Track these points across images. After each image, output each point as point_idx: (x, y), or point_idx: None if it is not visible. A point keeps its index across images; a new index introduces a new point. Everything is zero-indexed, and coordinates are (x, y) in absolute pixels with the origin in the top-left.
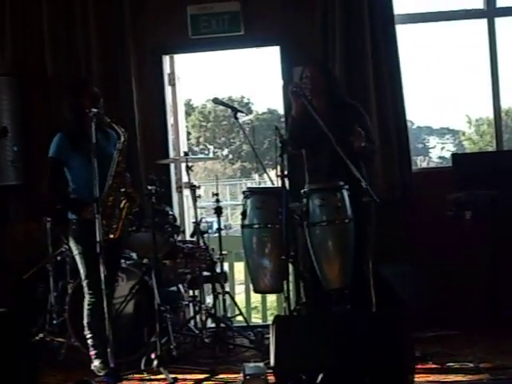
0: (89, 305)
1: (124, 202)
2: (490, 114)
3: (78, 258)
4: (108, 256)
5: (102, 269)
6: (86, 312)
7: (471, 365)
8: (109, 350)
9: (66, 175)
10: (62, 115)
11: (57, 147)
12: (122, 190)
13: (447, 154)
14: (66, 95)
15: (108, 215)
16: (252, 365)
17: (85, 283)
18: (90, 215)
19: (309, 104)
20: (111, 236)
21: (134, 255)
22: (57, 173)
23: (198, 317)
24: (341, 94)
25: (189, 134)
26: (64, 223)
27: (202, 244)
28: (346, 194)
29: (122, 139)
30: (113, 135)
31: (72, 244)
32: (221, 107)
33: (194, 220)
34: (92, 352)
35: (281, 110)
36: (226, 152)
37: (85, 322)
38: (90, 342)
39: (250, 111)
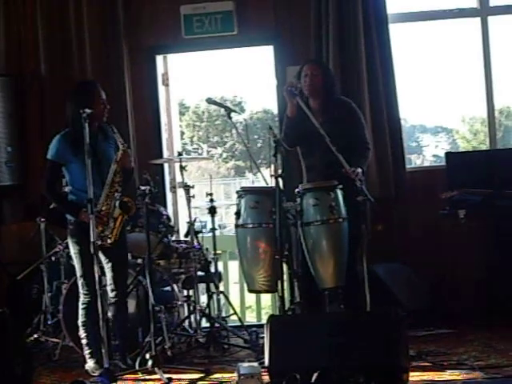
0: (83, 304)
1: (119, 212)
2: (483, 112)
3: (74, 258)
4: (111, 259)
5: (95, 269)
6: (80, 311)
7: (466, 363)
8: (103, 350)
9: (63, 176)
10: (55, 115)
11: (56, 150)
12: (118, 200)
13: (441, 153)
14: (73, 96)
15: (102, 223)
16: (246, 364)
17: (80, 282)
18: (87, 219)
19: (303, 103)
20: (105, 243)
21: (129, 255)
22: (55, 175)
23: (192, 317)
24: (337, 93)
25: (182, 133)
26: (58, 224)
27: (196, 244)
28: (339, 193)
29: (121, 150)
30: (114, 138)
31: (69, 243)
32: (214, 107)
33: (188, 220)
34: (86, 352)
35: (274, 110)
36: (219, 151)
37: (79, 321)
38: (84, 341)
39: (243, 110)
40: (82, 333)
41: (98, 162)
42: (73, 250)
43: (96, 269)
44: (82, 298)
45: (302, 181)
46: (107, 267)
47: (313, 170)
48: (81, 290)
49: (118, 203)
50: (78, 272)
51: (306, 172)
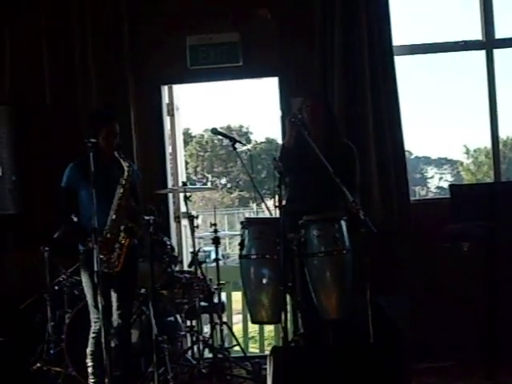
0: (93, 333)
1: (124, 237)
2: (487, 144)
3: (84, 286)
4: (119, 287)
5: (99, 299)
6: (90, 340)
7: None
8: (106, 379)
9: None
10: (59, 144)
11: (67, 177)
12: (123, 226)
13: (445, 185)
14: (86, 125)
15: (108, 249)
16: None
17: (91, 311)
18: (92, 245)
19: (306, 134)
20: (111, 271)
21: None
22: (68, 202)
23: (195, 347)
24: (338, 130)
25: (186, 163)
26: (62, 253)
27: (199, 274)
28: (344, 224)
29: (126, 174)
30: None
31: (81, 272)
32: (218, 137)
33: (191, 250)
34: (91, 381)
35: (279, 140)
36: (224, 181)
37: (88, 350)
38: (90, 370)
39: (248, 140)
40: (89, 361)
41: (109, 191)
42: (84, 279)
43: (100, 299)
44: (92, 327)
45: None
46: (113, 296)
47: (304, 202)
48: (92, 319)
49: (122, 228)
50: (89, 301)
51: (293, 202)
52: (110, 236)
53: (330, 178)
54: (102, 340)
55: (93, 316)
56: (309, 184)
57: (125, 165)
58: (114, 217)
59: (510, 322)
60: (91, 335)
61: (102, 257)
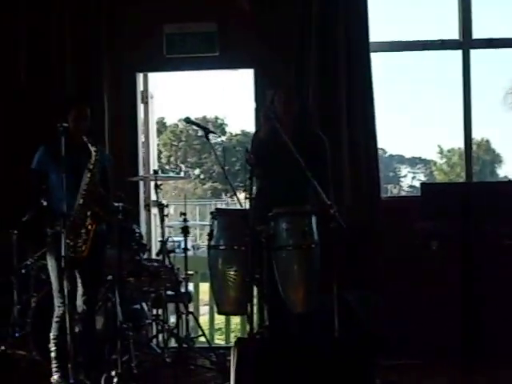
0: (57, 317)
1: (90, 222)
2: (461, 145)
3: (50, 270)
4: (85, 273)
5: (65, 284)
6: (53, 325)
7: None
8: (69, 365)
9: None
10: (34, 128)
11: (38, 160)
12: (89, 211)
13: (418, 184)
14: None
15: (75, 234)
16: None
17: (55, 296)
18: (59, 228)
19: (279, 127)
20: (78, 255)
21: None
22: (39, 185)
23: (160, 336)
24: (310, 122)
25: (160, 152)
26: (30, 237)
27: (167, 263)
28: (313, 218)
29: (93, 159)
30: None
31: (47, 256)
32: (193, 127)
33: (160, 239)
34: (54, 365)
35: (254, 132)
36: (197, 172)
37: (51, 334)
38: (52, 354)
39: (223, 132)
40: (52, 346)
41: (79, 175)
42: (49, 263)
43: (65, 283)
44: (56, 312)
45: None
46: (79, 281)
47: (275, 194)
48: (56, 304)
49: (89, 213)
50: (54, 285)
51: (264, 194)
52: (76, 221)
53: (302, 171)
54: (67, 325)
55: (57, 300)
56: (280, 176)
57: (92, 149)
58: (80, 201)
59: (482, 320)
60: (54, 319)
61: (68, 241)
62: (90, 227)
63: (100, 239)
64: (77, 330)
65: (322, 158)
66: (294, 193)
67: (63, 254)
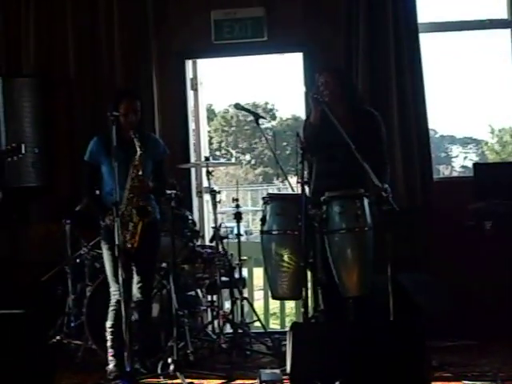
0: (113, 306)
1: (137, 218)
2: None
3: (105, 261)
4: (139, 262)
5: (119, 272)
6: (110, 314)
7: (488, 375)
8: (126, 353)
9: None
10: (82, 117)
11: (90, 151)
12: (136, 206)
13: (470, 164)
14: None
15: (123, 226)
16: (268, 371)
17: (111, 285)
18: (109, 221)
19: (329, 110)
20: (129, 246)
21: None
22: (92, 176)
23: (215, 322)
24: (359, 100)
25: (211, 138)
26: (84, 226)
27: (220, 249)
28: (366, 201)
29: (138, 155)
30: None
31: (102, 247)
32: (243, 112)
33: (213, 225)
34: (110, 354)
35: (304, 117)
36: (248, 157)
37: (107, 323)
38: (109, 343)
39: (273, 117)
40: (108, 335)
41: (129, 167)
42: (104, 254)
43: (120, 272)
44: (112, 301)
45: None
46: (134, 271)
47: (330, 177)
48: (111, 292)
49: (135, 209)
50: (109, 274)
51: (321, 177)
52: (124, 215)
53: (360, 152)
54: (123, 314)
55: (112, 289)
56: (334, 160)
57: (137, 145)
58: (127, 196)
59: None
60: (110, 308)
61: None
62: (136, 221)
63: (153, 228)
64: (133, 318)
65: (377, 135)
66: (349, 176)
67: (117, 242)
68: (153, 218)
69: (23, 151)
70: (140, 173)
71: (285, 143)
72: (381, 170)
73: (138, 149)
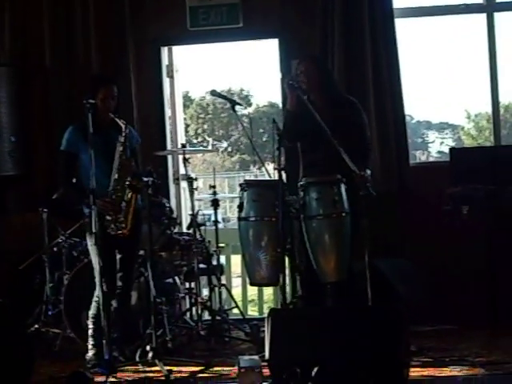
0: (97, 297)
1: (130, 194)
2: (489, 109)
3: (90, 250)
4: (123, 250)
5: (97, 259)
6: (93, 303)
7: (467, 359)
8: (104, 341)
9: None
10: (59, 106)
11: (67, 140)
12: (127, 182)
13: (446, 149)
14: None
15: (115, 210)
16: (247, 358)
17: (96, 275)
18: (100, 208)
19: (305, 97)
20: (120, 232)
21: None
22: (69, 165)
23: (193, 309)
24: (338, 88)
25: (187, 126)
26: (61, 214)
27: (198, 236)
28: (343, 187)
29: (123, 131)
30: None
31: (87, 236)
32: (219, 99)
33: (190, 212)
34: (90, 343)
35: (280, 103)
36: (224, 144)
37: (90, 313)
38: (90, 332)
39: (249, 104)
40: (90, 324)
41: (109, 153)
42: (89, 243)
43: (98, 260)
44: (96, 291)
45: (302, 176)
46: (117, 258)
47: (314, 167)
48: (97, 283)
49: (127, 184)
50: (94, 264)
51: (305, 169)
52: (115, 196)
53: (337, 139)
54: (101, 302)
55: (97, 280)
56: (318, 150)
57: (121, 122)
58: (116, 176)
59: (509, 285)
60: (94, 299)
61: (109, 218)
62: (129, 199)
63: (137, 216)
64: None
65: (357, 121)
66: (335, 165)
67: (94, 230)
68: (137, 204)
69: None
70: (125, 150)
71: (261, 130)
72: (362, 156)
73: (123, 126)
